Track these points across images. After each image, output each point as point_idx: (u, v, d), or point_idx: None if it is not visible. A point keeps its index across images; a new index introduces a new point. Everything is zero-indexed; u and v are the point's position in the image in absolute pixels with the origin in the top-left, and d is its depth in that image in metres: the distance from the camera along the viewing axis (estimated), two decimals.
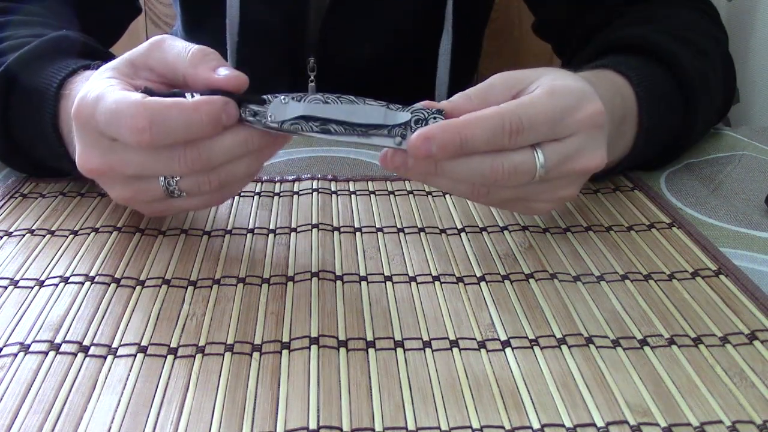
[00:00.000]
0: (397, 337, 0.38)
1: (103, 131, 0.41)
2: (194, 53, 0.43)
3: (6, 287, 0.42)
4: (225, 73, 0.42)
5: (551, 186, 0.44)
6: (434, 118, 0.41)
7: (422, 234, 0.49)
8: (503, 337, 0.38)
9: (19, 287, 0.42)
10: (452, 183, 0.43)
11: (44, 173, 0.55)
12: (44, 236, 0.47)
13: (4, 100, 0.51)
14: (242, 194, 0.54)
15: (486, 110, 0.41)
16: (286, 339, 0.38)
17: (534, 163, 0.42)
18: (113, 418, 0.32)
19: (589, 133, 0.43)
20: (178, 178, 0.42)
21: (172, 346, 0.37)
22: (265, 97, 0.41)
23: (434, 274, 0.44)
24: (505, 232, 0.49)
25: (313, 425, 0.32)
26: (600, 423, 0.33)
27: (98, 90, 0.42)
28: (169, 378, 0.35)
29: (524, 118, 0.41)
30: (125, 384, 0.34)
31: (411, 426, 0.32)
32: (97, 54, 0.54)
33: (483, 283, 0.43)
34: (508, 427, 0.32)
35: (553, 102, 0.42)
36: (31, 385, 0.34)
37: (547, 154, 0.42)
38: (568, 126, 0.42)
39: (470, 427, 0.32)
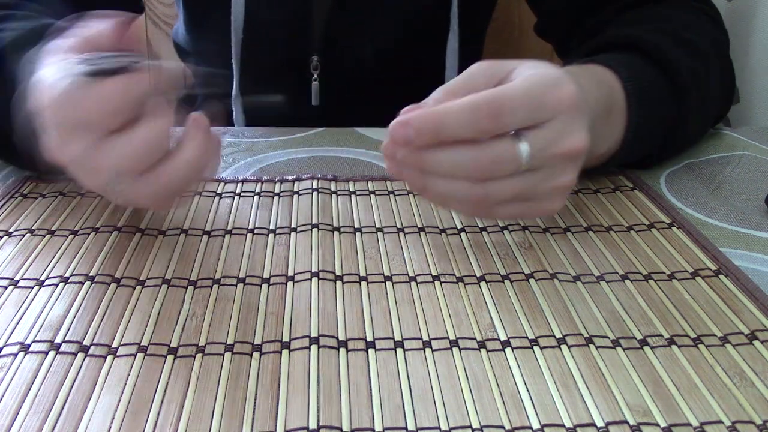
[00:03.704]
0: (397, 337, 0.38)
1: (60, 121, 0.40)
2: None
3: (6, 287, 0.42)
4: None
5: (545, 175, 0.44)
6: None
7: (422, 234, 0.49)
8: (503, 337, 0.38)
9: (19, 287, 0.42)
10: (446, 183, 0.43)
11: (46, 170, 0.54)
12: (44, 236, 0.47)
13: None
14: (242, 194, 0.54)
15: (463, 98, 0.41)
16: (286, 339, 0.38)
17: (516, 149, 0.42)
18: (113, 418, 0.32)
19: (568, 114, 0.43)
20: None
21: (172, 346, 0.37)
22: None
23: (434, 274, 0.44)
24: (505, 232, 0.49)
25: (313, 425, 0.32)
26: (600, 423, 0.33)
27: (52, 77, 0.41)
28: (169, 378, 0.35)
29: (502, 100, 0.41)
30: (125, 384, 0.34)
31: (411, 426, 0.32)
32: None
33: (483, 283, 0.43)
34: (508, 427, 0.32)
35: (529, 86, 0.42)
36: (31, 385, 0.34)
37: (530, 140, 0.42)
38: (546, 109, 0.43)
39: (470, 427, 0.32)
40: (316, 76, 0.78)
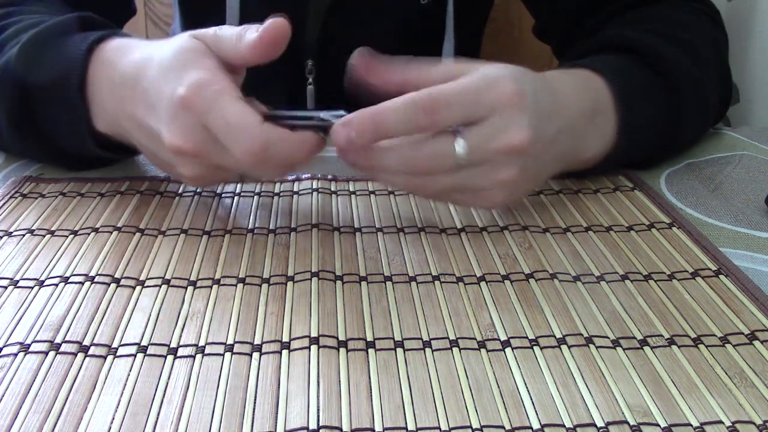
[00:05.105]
0: (397, 337, 0.38)
1: (209, 126, 0.43)
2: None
3: (6, 287, 0.42)
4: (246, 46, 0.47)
5: (485, 170, 0.45)
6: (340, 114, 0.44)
7: (422, 234, 0.49)
8: (503, 337, 0.38)
9: (19, 287, 0.42)
10: (390, 176, 0.46)
11: (60, 158, 0.56)
12: (44, 236, 0.47)
13: (23, 75, 0.52)
14: (242, 194, 0.54)
15: (401, 96, 0.43)
16: (286, 339, 0.38)
17: (452, 146, 0.44)
18: (113, 418, 0.32)
19: (508, 112, 0.44)
20: None
21: (172, 346, 0.37)
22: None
23: (434, 273, 0.44)
24: (505, 232, 0.49)
25: (313, 425, 0.32)
26: (600, 423, 0.33)
27: (216, 85, 0.44)
28: (169, 378, 0.35)
29: (437, 97, 0.43)
30: (125, 384, 0.34)
31: (411, 426, 0.32)
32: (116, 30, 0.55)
33: (483, 283, 0.43)
34: (508, 427, 0.32)
35: (465, 84, 0.44)
36: (31, 385, 0.34)
37: (467, 136, 0.44)
38: (483, 106, 0.44)
39: (470, 427, 0.32)
40: (311, 80, 0.78)
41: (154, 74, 0.46)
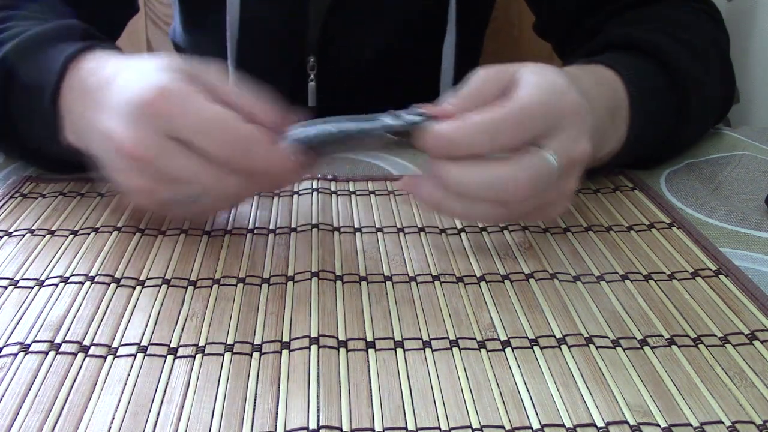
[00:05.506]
0: (397, 337, 0.38)
1: (178, 128, 0.41)
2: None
3: (6, 287, 0.42)
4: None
5: (558, 183, 0.43)
6: (418, 116, 0.42)
7: (422, 234, 0.49)
8: (503, 337, 0.38)
9: (19, 287, 0.42)
10: (465, 204, 0.43)
11: (44, 164, 0.56)
12: (44, 236, 0.47)
13: (5, 85, 0.51)
14: None
15: (484, 115, 0.41)
16: (286, 339, 0.38)
17: (548, 162, 0.41)
18: (113, 418, 0.32)
19: (574, 121, 0.43)
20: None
21: (172, 346, 0.37)
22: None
23: (434, 273, 0.44)
24: (505, 232, 0.49)
25: (313, 425, 0.32)
26: (600, 423, 0.33)
27: (184, 89, 0.41)
28: (169, 378, 0.35)
29: (522, 114, 0.41)
30: (125, 384, 0.34)
31: (411, 426, 0.32)
32: (100, 41, 0.54)
33: (483, 283, 0.43)
34: (508, 427, 0.32)
35: (543, 96, 0.42)
36: (31, 385, 0.34)
37: (554, 149, 0.42)
38: (558, 117, 0.43)
39: (470, 427, 0.32)
40: (312, 76, 0.77)
41: (118, 85, 0.44)
